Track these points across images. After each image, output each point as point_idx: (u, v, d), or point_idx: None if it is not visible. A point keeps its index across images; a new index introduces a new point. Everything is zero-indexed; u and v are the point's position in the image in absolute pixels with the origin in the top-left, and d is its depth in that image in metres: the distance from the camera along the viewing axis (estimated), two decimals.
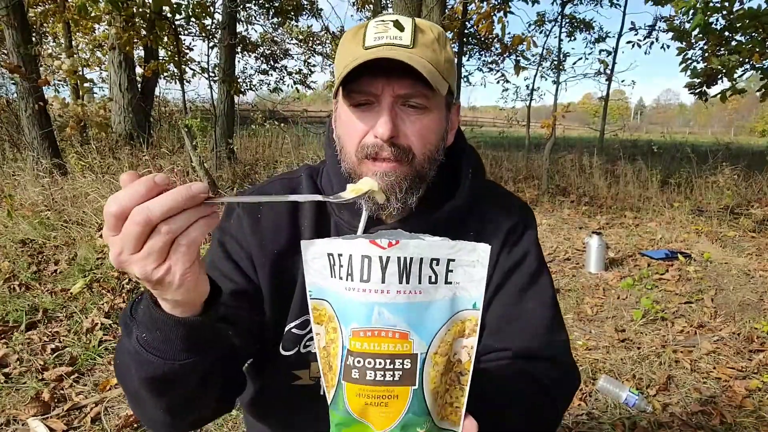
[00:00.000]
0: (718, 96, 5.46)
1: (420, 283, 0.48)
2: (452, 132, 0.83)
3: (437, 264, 0.49)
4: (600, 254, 3.86)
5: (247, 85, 14.96)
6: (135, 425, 1.91)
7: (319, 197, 0.60)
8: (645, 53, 11.02)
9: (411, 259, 0.48)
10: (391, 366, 0.47)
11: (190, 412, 0.66)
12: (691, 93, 6.12)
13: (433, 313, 0.49)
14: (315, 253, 0.52)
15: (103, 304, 2.88)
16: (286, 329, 0.83)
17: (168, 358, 0.55)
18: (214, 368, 0.62)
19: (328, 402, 0.52)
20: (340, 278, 0.49)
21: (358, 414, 0.49)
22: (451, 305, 0.50)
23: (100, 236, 3.95)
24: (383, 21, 0.73)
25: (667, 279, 3.67)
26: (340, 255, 0.49)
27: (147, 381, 0.58)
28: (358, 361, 0.48)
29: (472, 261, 0.50)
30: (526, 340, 0.80)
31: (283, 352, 0.83)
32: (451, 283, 0.49)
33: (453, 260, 0.49)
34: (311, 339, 0.82)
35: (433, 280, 0.49)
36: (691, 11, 4.29)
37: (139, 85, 8.16)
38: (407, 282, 0.48)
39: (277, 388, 0.86)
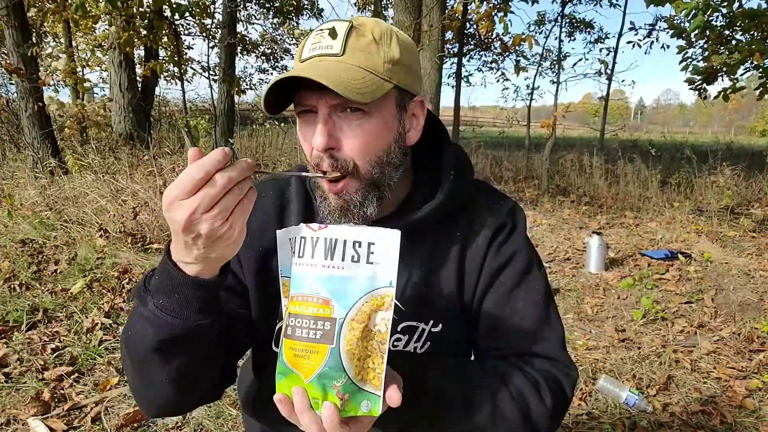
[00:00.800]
0: (720, 95, 5.45)
1: (344, 259, 0.58)
2: (417, 130, 0.80)
3: (359, 246, 0.58)
4: (600, 254, 3.86)
5: (247, 85, 14.98)
6: (135, 425, 1.91)
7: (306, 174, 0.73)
8: (645, 53, 11.04)
9: (336, 240, 0.58)
10: (314, 326, 0.57)
11: (192, 385, 0.71)
12: (690, 89, 6.11)
13: (353, 286, 0.58)
14: (282, 239, 0.63)
15: (103, 304, 2.88)
16: (278, 327, 0.83)
17: (186, 319, 0.62)
18: (220, 339, 0.69)
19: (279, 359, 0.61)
20: (293, 255, 0.61)
21: (291, 365, 0.58)
22: (371, 282, 0.59)
23: (100, 236, 3.96)
24: (321, 30, 0.74)
25: (667, 279, 3.68)
26: (292, 239, 0.61)
27: (163, 343, 0.63)
28: (292, 320, 0.58)
29: (387, 245, 0.59)
30: (518, 339, 0.80)
31: (275, 349, 0.84)
32: (371, 263, 0.59)
33: (373, 243, 0.59)
34: None
35: (355, 259, 0.58)
36: (692, 12, 4.29)
37: (139, 85, 8.16)
38: (331, 258, 0.58)
39: (273, 384, 0.87)
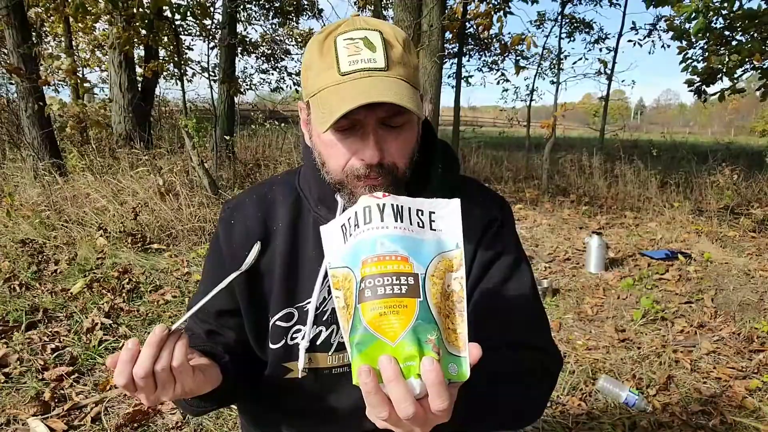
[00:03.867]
0: (717, 96, 5.46)
1: (411, 224, 0.58)
2: (419, 123, 0.86)
3: (422, 214, 0.59)
4: (600, 254, 3.86)
5: (247, 85, 14.98)
6: (135, 425, 1.91)
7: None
8: (649, 53, 11.03)
9: (401, 206, 0.59)
10: (398, 281, 0.54)
11: (241, 398, 0.94)
12: (690, 90, 6.12)
13: (425, 246, 0.58)
14: (330, 233, 0.62)
15: (103, 304, 2.88)
16: (271, 323, 0.85)
17: (207, 407, 0.82)
18: (244, 380, 0.86)
19: (347, 335, 0.56)
20: (350, 235, 0.59)
21: (374, 327, 0.53)
22: (438, 246, 0.59)
23: (100, 236, 3.96)
24: (352, 39, 0.73)
25: (667, 279, 3.68)
26: (348, 218, 0.60)
27: (199, 413, 0.85)
28: (369, 282, 0.55)
29: (448, 212, 0.60)
30: (509, 331, 0.82)
31: (271, 346, 0.86)
32: (435, 230, 0.59)
33: (433, 212, 0.60)
34: (297, 331, 0.85)
35: (420, 225, 0.59)
36: (693, 15, 4.29)
37: (139, 85, 8.16)
38: (401, 221, 0.58)
39: (270, 383, 0.88)
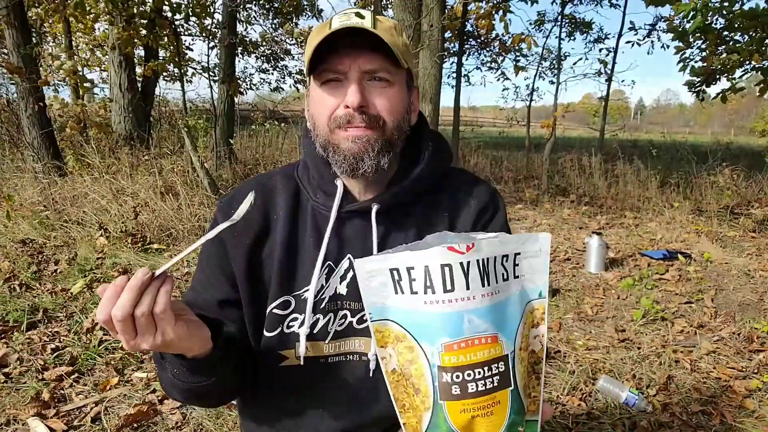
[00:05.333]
0: (719, 96, 5.45)
1: (497, 282, 0.48)
2: (414, 114, 0.89)
3: (507, 260, 0.49)
4: (600, 254, 3.86)
5: (247, 85, 14.97)
6: (135, 425, 1.91)
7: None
8: (648, 53, 11.03)
9: (487, 259, 0.47)
10: (489, 373, 0.46)
11: (230, 396, 0.92)
12: (690, 91, 6.11)
13: (511, 310, 0.49)
14: (372, 270, 0.51)
15: None
16: (268, 311, 0.85)
17: (194, 382, 0.75)
18: (236, 371, 0.83)
19: (421, 423, 0.48)
20: (414, 293, 0.48)
21: (463, 430, 0.46)
22: (521, 298, 0.50)
23: (101, 236, 3.96)
24: (346, 13, 0.80)
25: (667, 279, 3.68)
26: (410, 268, 0.48)
27: (185, 393, 0.79)
28: (457, 376, 0.46)
29: (535, 251, 0.50)
30: None
31: (267, 334, 0.86)
32: (518, 277, 0.50)
33: (519, 253, 0.50)
34: (294, 319, 0.85)
35: (505, 277, 0.49)
36: (691, 14, 4.29)
37: (139, 85, 8.15)
38: (488, 284, 0.47)
39: (266, 370, 0.88)
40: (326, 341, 0.85)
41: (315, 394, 0.88)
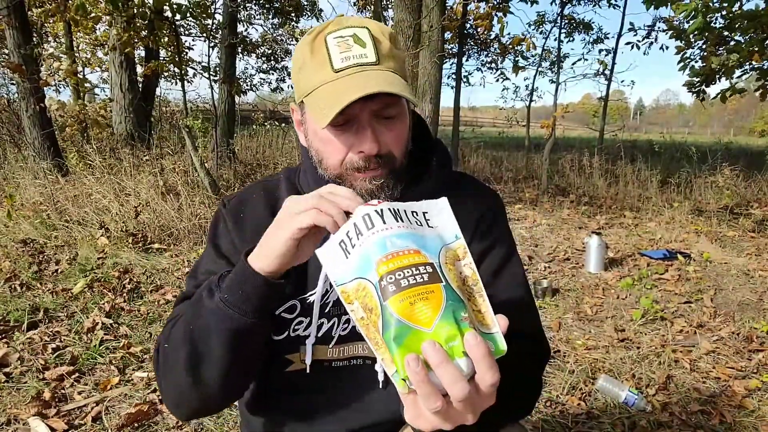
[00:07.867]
0: (718, 96, 5.46)
1: (411, 223, 0.59)
2: (411, 129, 0.90)
3: (416, 215, 0.61)
4: (599, 254, 3.87)
5: (247, 85, 14.99)
6: (135, 424, 1.91)
7: None
8: (644, 54, 11.05)
9: (398, 209, 0.60)
10: (418, 271, 0.54)
11: (237, 381, 0.79)
12: (690, 92, 6.12)
13: (429, 240, 0.59)
14: (328, 253, 0.60)
15: (103, 304, 2.89)
16: (276, 314, 0.86)
17: (243, 314, 0.69)
18: (264, 347, 0.79)
19: (378, 337, 0.54)
20: (353, 246, 0.58)
21: (407, 317, 0.52)
22: (440, 239, 0.60)
23: (102, 236, 3.96)
24: (342, 37, 0.77)
25: (666, 279, 3.68)
26: (346, 232, 0.60)
27: (224, 332, 0.70)
28: (390, 278, 0.53)
29: (439, 211, 0.62)
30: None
31: (274, 337, 0.86)
32: (432, 227, 0.61)
33: (426, 212, 0.62)
34: (299, 323, 0.86)
35: (419, 224, 0.60)
36: (692, 14, 4.29)
37: (140, 86, 8.16)
38: (402, 221, 0.59)
39: (272, 374, 0.89)
40: (330, 345, 0.86)
41: (319, 397, 0.88)
